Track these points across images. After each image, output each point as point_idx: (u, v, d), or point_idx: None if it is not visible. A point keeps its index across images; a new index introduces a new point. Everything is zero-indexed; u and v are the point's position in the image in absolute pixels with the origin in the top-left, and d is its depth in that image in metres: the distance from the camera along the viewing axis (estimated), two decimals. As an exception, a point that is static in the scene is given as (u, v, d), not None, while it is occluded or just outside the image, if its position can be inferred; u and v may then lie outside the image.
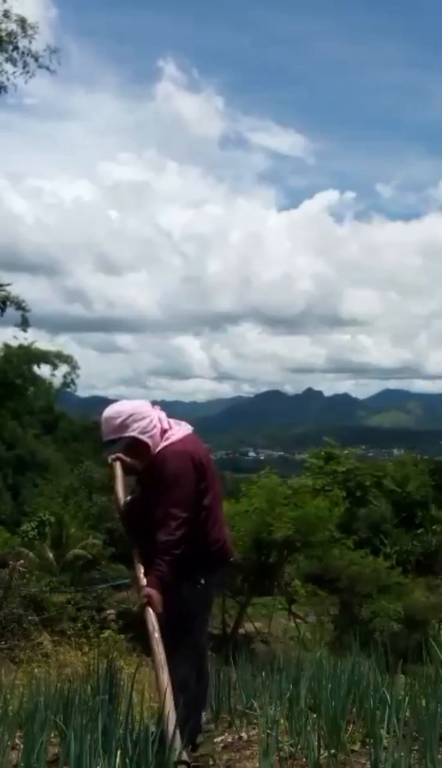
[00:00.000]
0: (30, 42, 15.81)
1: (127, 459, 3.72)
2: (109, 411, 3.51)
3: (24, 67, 15.99)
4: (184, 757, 3.11)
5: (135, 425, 3.45)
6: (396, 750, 3.01)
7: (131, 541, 3.64)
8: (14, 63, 16.01)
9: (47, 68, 16.02)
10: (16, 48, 15.79)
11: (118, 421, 3.46)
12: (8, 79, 16.22)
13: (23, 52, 15.83)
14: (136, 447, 3.49)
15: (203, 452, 3.54)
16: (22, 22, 15.69)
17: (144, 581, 3.36)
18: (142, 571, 3.43)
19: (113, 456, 3.72)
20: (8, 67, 16.02)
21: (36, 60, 15.89)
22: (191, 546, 3.34)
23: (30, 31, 15.78)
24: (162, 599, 3.30)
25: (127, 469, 3.70)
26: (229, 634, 23.69)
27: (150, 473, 3.49)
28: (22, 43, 15.81)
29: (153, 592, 3.28)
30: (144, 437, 3.46)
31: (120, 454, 3.73)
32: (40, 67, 15.98)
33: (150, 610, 3.29)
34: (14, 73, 16.13)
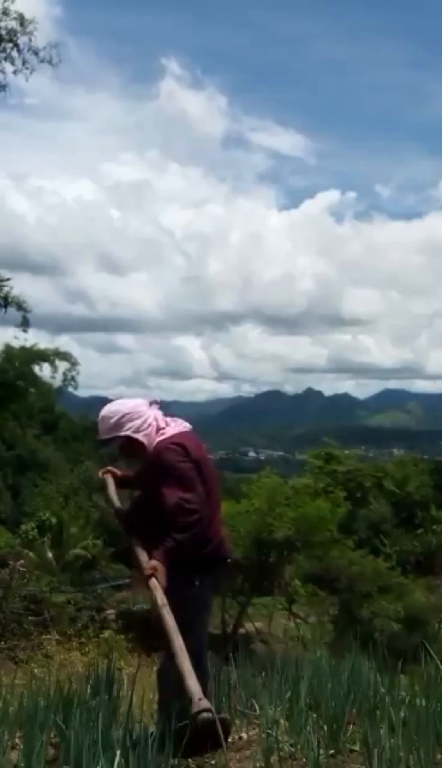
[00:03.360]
0: (30, 39, 15.71)
1: (118, 472, 3.90)
2: (104, 411, 3.57)
3: (24, 64, 15.88)
4: (205, 705, 3.01)
5: (129, 425, 3.50)
6: (396, 750, 3.02)
7: (133, 537, 3.62)
8: (12, 62, 15.92)
9: (49, 62, 15.86)
10: (16, 45, 15.70)
11: (113, 420, 3.52)
12: (5, 78, 16.13)
13: (22, 49, 15.71)
14: (131, 446, 3.54)
15: (198, 448, 3.54)
16: (21, 18, 15.60)
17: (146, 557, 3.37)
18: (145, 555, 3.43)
19: (103, 470, 3.88)
20: (7, 65, 15.94)
21: (36, 54, 15.76)
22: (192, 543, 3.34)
23: (30, 28, 15.68)
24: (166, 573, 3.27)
25: (119, 481, 3.85)
26: (229, 634, 23.71)
27: (148, 470, 3.53)
28: (22, 40, 15.71)
29: (158, 565, 3.27)
30: (138, 436, 3.50)
31: (110, 468, 3.93)
32: (41, 61, 15.85)
33: (156, 584, 3.26)
34: (15, 71, 16.03)
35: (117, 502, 3.81)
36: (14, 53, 15.76)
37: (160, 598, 3.23)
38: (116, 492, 3.86)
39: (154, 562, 3.29)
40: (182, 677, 3.05)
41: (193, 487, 3.35)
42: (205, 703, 3.00)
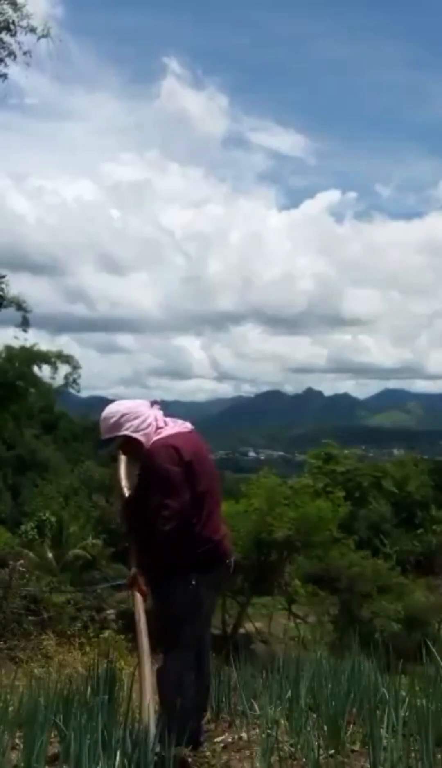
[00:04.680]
0: (26, 24, 15.53)
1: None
2: (105, 411, 3.60)
3: (20, 48, 15.68)
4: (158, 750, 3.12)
5: (128, 424, 3.52)
6: (396, 750, 3.02)
7: (129, 536, 3.72)
8: (8, 48, 15.75)
9: (47, 36, 15.57)
10: (10, 30, 15.53)
11: (112, 420, 3.55)
12: (5, 66, 15.98)
13: (15, 33, 15.51)
14: (130, 445, 3.57)
15: (195, 448, 3.54)
16: (13, 4, 15.42)
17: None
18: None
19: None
20: (4, 53, 15.78)
21: (33, 31, 15.54)
22: (183, 544, 3.36)
23: (25, 10, 15.48)
24: (149, 587, 3.43)
25: (131, 457, 3.80)
26: (229, 634, 23.72)
27: (144, 470, 3.55)
28: (21, 24, 15.54)
29: (138, 574, 3.45)
30: (137, 435, 3.52)
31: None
32: (39, 38, 15.56)
33: (138, 595, 3.42)
34: (10, 54, 15.81)
35: (125, 483, 3.83)
36: (8, 38, 15.56)
37: (138, 615, 3.39)
38: (128, 470, 3.86)
39: (135, 570, 3.45)
40: (141, 706, 3.20)
41: (177, 494, 3.37)
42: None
